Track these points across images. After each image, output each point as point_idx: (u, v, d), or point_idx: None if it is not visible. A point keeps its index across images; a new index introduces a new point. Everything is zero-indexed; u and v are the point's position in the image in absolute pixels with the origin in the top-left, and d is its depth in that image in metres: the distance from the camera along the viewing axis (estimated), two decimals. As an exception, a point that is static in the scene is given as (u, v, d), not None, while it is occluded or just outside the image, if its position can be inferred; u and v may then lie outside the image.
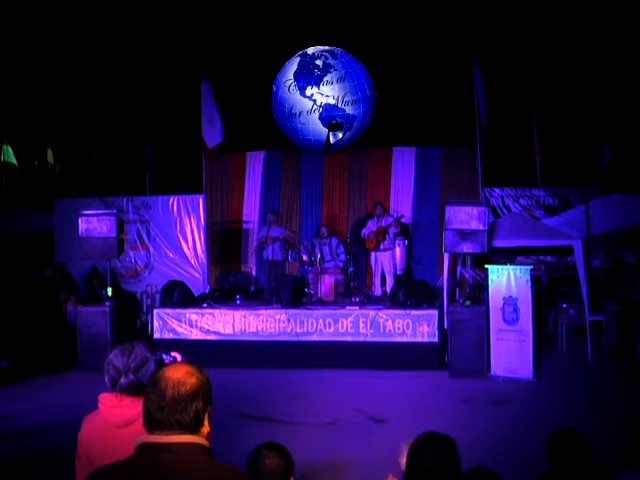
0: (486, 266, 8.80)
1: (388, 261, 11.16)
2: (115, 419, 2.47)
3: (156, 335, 9.72)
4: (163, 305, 10.10)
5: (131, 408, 2.31)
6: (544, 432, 3.29)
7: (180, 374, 1.91)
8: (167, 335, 9.69)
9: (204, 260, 12.86)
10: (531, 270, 8.65)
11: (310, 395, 7.86)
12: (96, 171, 13.31)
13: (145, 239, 13.16)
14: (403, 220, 11.35)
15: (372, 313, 9.31)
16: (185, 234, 13.06)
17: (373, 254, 11.31)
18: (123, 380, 2.53)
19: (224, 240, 13.15)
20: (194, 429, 1.88)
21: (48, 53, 13.10)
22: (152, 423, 1.87)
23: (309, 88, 7.14)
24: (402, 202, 12.46)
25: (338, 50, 7.49)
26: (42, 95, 13.48)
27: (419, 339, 9.13)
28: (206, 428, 1.92)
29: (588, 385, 8.14)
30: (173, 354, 2.82)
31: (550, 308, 10.81)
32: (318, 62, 7.22)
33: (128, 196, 13.20)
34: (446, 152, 12.49)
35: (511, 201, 11.94)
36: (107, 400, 2.54)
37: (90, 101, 13.62)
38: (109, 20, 12.67)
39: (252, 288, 11.52)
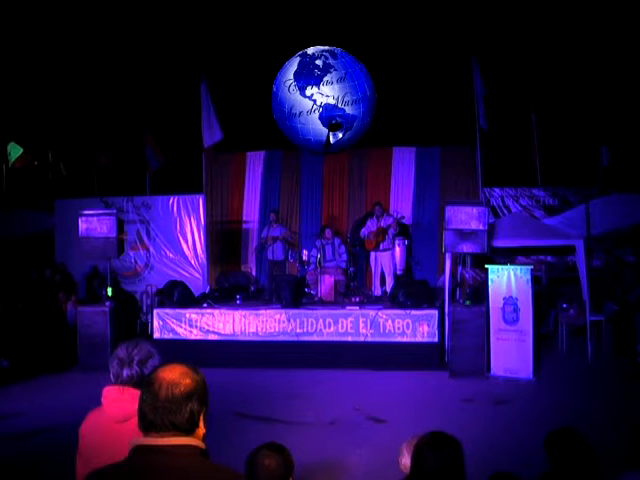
0: (486, 266, 8.79)
1: (388, 261, 11.16)
2: (115, 413, 2.47)
3: (156, 335, 9.71)
4: (163, 305, 10.11)
5: (132, 402, 2.30)
6: (544, 432, 3.29)
7: (174, 375, 1.89)
8: (167, 335, 9.69)
9: (204, 260, 12.87)
10: (531, 270, 8.65)
11: (310, 395, 7.86)
12: (99, 167, 13.28)
13: (145, 239, 13.17)
14: (403, 220, 11.35)
15: (372, 313, 9.31)
16: (185, 234, 13.07)
17: (373, 254, 11.31)
18: (125, 372, 2.54)
19: (224, 240, 13.16)
20: (189, 430, 1.86)
21: (49, 54, 13.09)
22: (147, 424, 1.86)
23: (309, 88, 7.14)
24: (402, 202, 12.47)
25: (338, 50, 7.49)
26: (42, 95, 13.47)
27: (419, 339, 9.13)
28: (202, 429, 1.90)
29: (588, 385, 8.13)
30: None
31: (550, 308, 10.81)
32: (318, 62, 7.22)
33: (128, 196, 13.21)
34: (446, 152, 12.50)
35: (511, 201, 11.94)
36: (109, 393, 2.54)
37: (90, 101, 13.62)
38: (109, 22, 12.66)
39: (252, 288, 11.52)
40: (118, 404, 2.49)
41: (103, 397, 2.55)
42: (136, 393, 2.05)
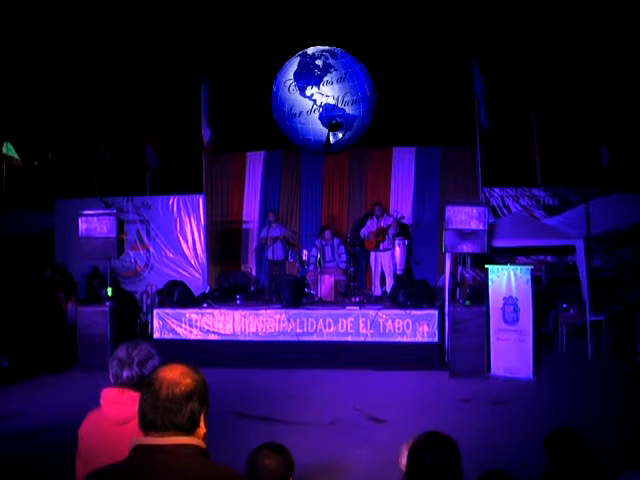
0: (486, 266, 8.80)
1: (388, 261, 11.16)
2: (115, 415, 2.47)
3: (156, 335, 9.72)
4: (163, 305, 10.11)
5: (131, 404, 2.30)
6: (544, 432, 3.29)
7: (175, 375, 1.89)
8: (167, 335, 9.69)
9: (204, 260, 12.87)
10: (531, 270, 8.65)
11: (310, 395, 7.86)
12: (102, 164, 13.30)
13: (145, 239, 13.17)
14: (403, 220, 11.35)
15: (372, 313, 9.31)
16: (185, 234, 13.07)
17: (373, 254, 11.31)
18: (125, 373, 2.53)
19: (224, 240, 13.15)
20: (189, 430, 1.86)
21: (50, 55, 13.10)
22: (147, 424, 1.86)
23: (309, 88, 7.13)
24: (402, 202, 12.46)
25: (338, 50, 7.49)
26: (43, 95, 13.48)
27: (419, 339, 9.13)
28: (202, 429, 1.90)
29: (588, 385, 8.13)
30: None
31: (550, 308, 10.81)
32: (318, 62, 7.22)
33: (128, 196, 13.21)
34: (446, 152, 12.49)
35: (511, 201, 11.94)
36: (108, 395, 2.53)
37: (91, 101, 13.62)
38: (110, 22, 12.66)
39: (252, 288, 11.51)
40: (118, 406, 2.48)
41: (102, 398, 2.54)
42: (136, 396, 2.04)
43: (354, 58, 7.47)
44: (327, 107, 7.10)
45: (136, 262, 13.15)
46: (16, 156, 13.08)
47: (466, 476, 2.69)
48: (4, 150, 12.86)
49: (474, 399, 7.62)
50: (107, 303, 9.54)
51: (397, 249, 11.06)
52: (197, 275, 12.84)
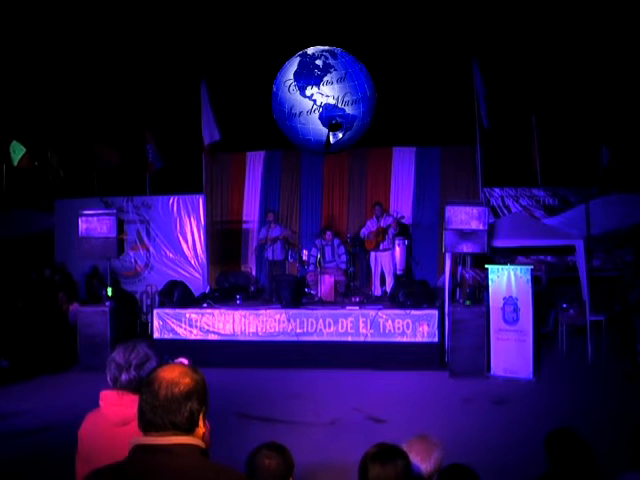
0: (486, 266, 8.80)
1: (388, 261, 11.16)
2: (114, 417, 2.47)
3: (156, 335, 9.72)
4: (163, 305, 10.11)
5: (131, 407, 2.30)
6: (544, 432, 3.29)
7: (174, 375, 1.89)
8: (167, 335, 9.70)
9: (204, 260, 12.87)
10: (531, 270, 8.65)
11: (310, 395, 7.86)
12: (105, 165, 13.29)
13: (145, 239, 13.17)
14: (403, 220, 11.35)
15: (372, 313, 9.31)
16: (185, 234, 13.07)
17: (373, 254, 11.31)
18: (124, 376, 2.53)
19: (224, 240, 13.16)
20: (189, 430, 1.86)
21: (50, 54, 13.09)
22: (146, 424, 1.86)
23: (309, 88, 7.12)
24: (402, 202, 12.47)
25: (338, 50, 7.48)
26: (43, 96, 13.47)
27: (419, 339, 9.13)
28: (202, 429, 1.90)
29: (588, 385, 8.13)
30: (180, 360, 2.78)
31: (550, 308, 10.81)
32: (318, 62, 7.21)
33: (128, 196, 13.21)
34: (446, 152, 12.50)
35: (511, 201, 11.94)
36: (107, 397, 2.54)
37: (91, 101, 13.62)
38: (110, 22, 12.66)
39: (252, 288, 11.52)
40: (117, 408, 2.48)
41: (101, 400, 2.55)
42: (135, 398, 2.04)
43: (354, 58, 7.46)
44: (327, 107, 7.09)
45: (136, 262, 13.14)
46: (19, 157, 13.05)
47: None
48: (14, 152, 12.82)
49: (474, 399, 7.62)
50: (107, 303, 9.55)
51: (397, 249, 11.06)
52: (197, 275, 12.84)
